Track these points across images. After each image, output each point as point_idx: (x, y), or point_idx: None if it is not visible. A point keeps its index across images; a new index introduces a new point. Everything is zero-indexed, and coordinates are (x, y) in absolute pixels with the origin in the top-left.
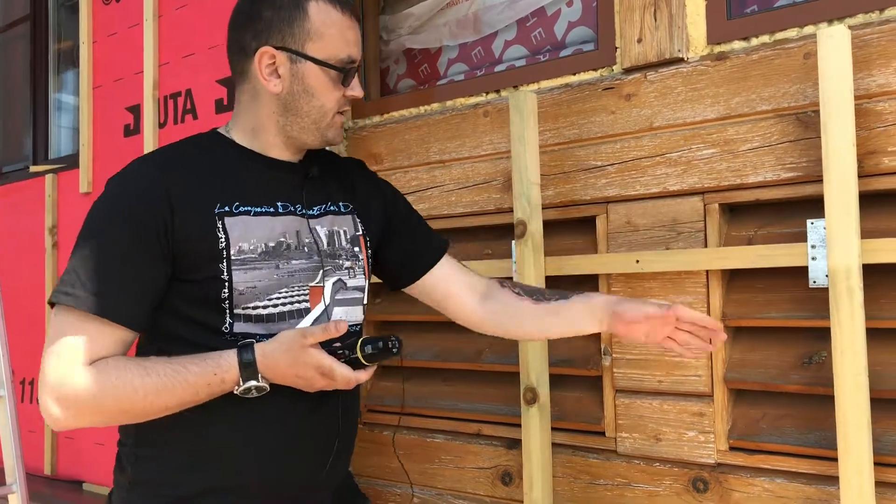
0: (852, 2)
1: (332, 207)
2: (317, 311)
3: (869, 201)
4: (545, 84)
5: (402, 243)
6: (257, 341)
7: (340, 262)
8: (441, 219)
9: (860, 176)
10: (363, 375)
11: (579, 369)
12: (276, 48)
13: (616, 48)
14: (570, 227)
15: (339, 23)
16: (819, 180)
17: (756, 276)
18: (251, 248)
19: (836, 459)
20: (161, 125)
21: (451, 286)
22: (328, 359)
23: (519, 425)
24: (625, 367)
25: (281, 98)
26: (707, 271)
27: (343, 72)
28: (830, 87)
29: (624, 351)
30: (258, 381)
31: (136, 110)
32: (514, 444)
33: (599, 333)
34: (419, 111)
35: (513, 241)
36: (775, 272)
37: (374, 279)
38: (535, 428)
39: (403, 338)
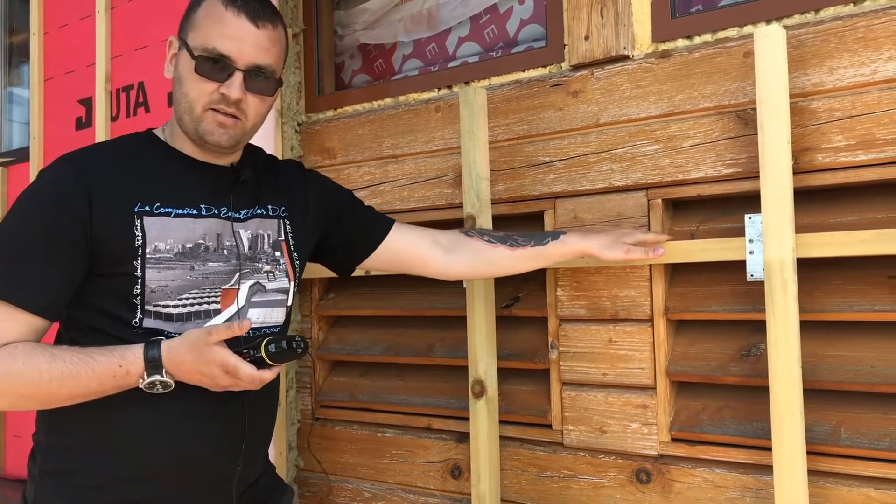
0: (789, 2)
1: (259, 211)
2: (228, 312)
3: (804, 197)
4: (496, 80)
5: (351, 226)
6: (167, 338)
7: (260, 265)
8: (393, 213)
9: (795, 172)
10: (267, 375)
11: (527, 362)
12: (177, 38)
13: (564, 45)
14: (520, 221)
15: (218, 15)
16: (758, 176)
17: (697, 270)
18: (167, 248)
19: (771, 449)
20: (113, 118)
21: (412, 248)
22: (233, 357)
23: (468, 419)
24: (571, 361)
25: (173, 85)
26: (650, 266)
27: (196, 59)
28: (767, 86)
29: (570, 344)
30: (162, 377)
31: (87, 103)
32: (464, 437)
33: (547, 329)
34: (372, 106)
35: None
36: (716, 266)
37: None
38: (483, 421)
39: (355, 332)
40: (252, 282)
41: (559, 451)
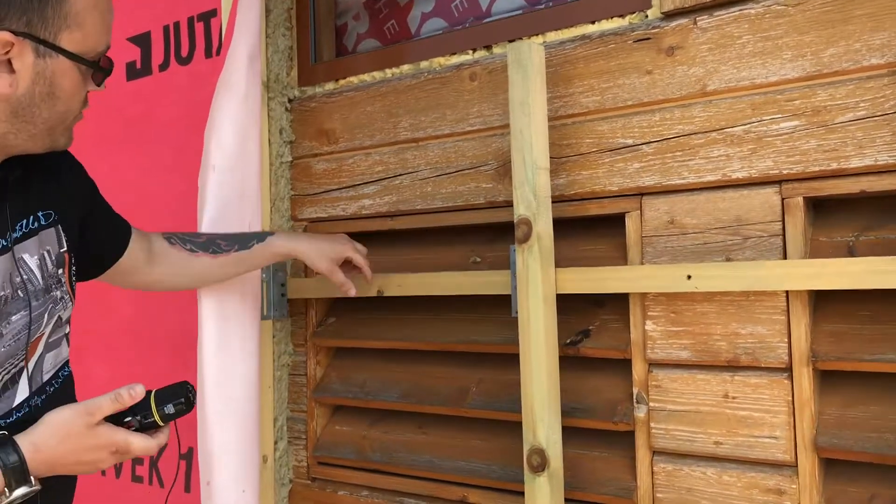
0: None
1: (34, 224)
2: (31, 365)
3: None
4: (552, 37)
5: (98, 230)
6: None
7: (55, 293)
8: (413, 215)
9: None
10: (163, 439)
11: (601, 421)
12: (19, 34)
13: None
14: (588, 228)
15: (102, 4)
16: None
17: (860, 299)
18: None
19: None
20: None
21: (129, 256)
22: (121, 433)
23: (518, 492)
24: (667, 421)
25: (11, 101)
26: (787, 292)
27: (102, 71)
28: None
29: (666, 399)
30: (31, 486)
31: None
32: None
33: (631, 376)
34: (384, 75)
35: (511, 247)
36: (889, 295)
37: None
38: (545, 502)
39: (363, 369)
40: (55, 318)
41: None
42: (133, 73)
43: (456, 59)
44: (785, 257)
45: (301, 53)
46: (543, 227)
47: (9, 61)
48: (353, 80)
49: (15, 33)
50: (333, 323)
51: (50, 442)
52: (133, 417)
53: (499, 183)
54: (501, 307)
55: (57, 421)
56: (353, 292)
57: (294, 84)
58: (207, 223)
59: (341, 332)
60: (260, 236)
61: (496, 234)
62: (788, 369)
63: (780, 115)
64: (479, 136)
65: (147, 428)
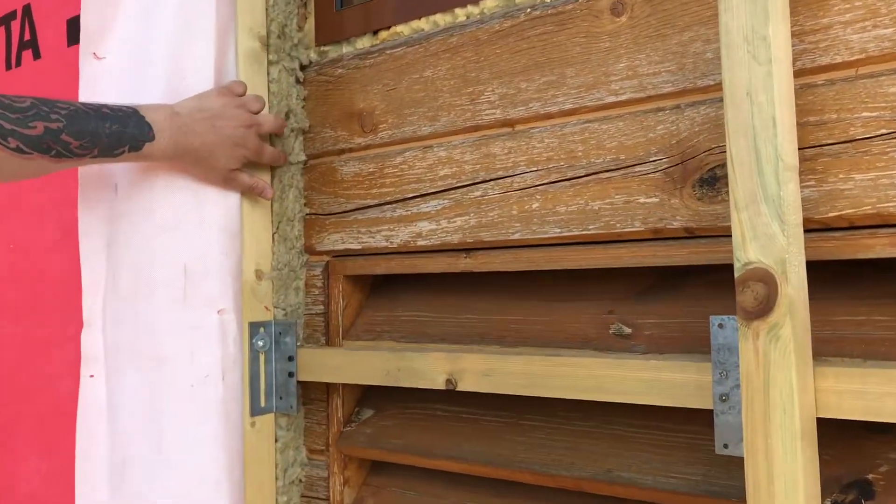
0: None
1: None
2: None
3: None
4: None
5: None
6: None
7: None
8: (504, 249)
9: None
10: None
11: None
12: None
13: None
14: (850, 278)
15: None
16: None
17: None
18: None
19: None
20: None
21: None
22: None
23: None
24: None
25: None
26: None
27: None
28: None
29: None
30: None
31: None
32: None
33: None
34: (455, 19)
35: (717, 320)
36: None
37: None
38: None
39: (421, 498)
40: None
41: None
42: (77, 34)
43: None
44: None
45: None
46: (797, 290)
47: None
48: (402, 30)
49: None
50: (371, 419)
51: None
52: None
53: (672, 195)
54: (676, 419)
55: None
56: (269, 193)
57: (310, 42)
58: None
59: (383, 435)
60: (133, 138)
61: (653, 284)
62: None
63: None
64: (633, 111)
65: None
